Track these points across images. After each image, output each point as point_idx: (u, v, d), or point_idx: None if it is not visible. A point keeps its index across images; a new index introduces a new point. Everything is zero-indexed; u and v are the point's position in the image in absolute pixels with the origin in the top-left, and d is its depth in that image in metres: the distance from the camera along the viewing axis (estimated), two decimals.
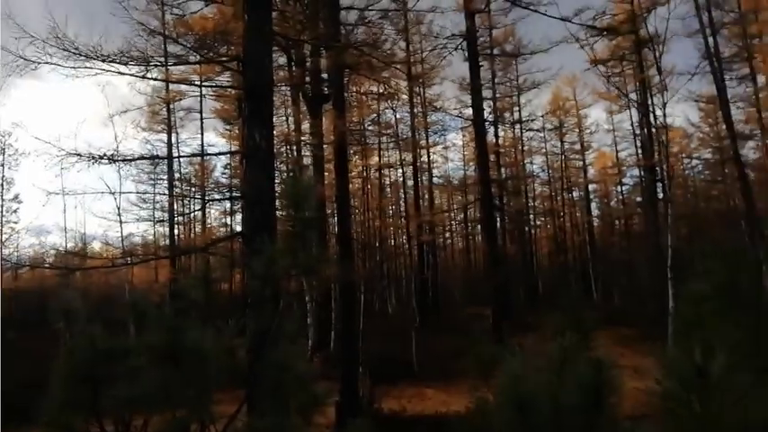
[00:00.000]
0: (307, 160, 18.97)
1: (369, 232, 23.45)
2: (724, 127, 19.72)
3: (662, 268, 14.08)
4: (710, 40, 20.08)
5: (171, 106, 23.10)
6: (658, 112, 23.50)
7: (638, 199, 35.69)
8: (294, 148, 18.96)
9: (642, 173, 29.73)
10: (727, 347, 2.54)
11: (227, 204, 28.13)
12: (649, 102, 19.81)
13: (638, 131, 30.44)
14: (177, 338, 2.53)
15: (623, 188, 39.83)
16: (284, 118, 22.26)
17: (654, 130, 20.77)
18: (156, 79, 12.95)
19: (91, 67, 8.27)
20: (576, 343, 2.19)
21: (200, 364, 2.57)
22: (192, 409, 2.54)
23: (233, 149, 20.54)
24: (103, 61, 8.14)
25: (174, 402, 2.45)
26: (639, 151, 30.57)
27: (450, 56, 19.42)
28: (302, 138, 17.55)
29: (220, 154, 21.88)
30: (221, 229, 31.70)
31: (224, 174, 28.32)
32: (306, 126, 17.40)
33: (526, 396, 1.95)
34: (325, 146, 15.72)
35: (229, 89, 16.95)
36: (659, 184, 22.89)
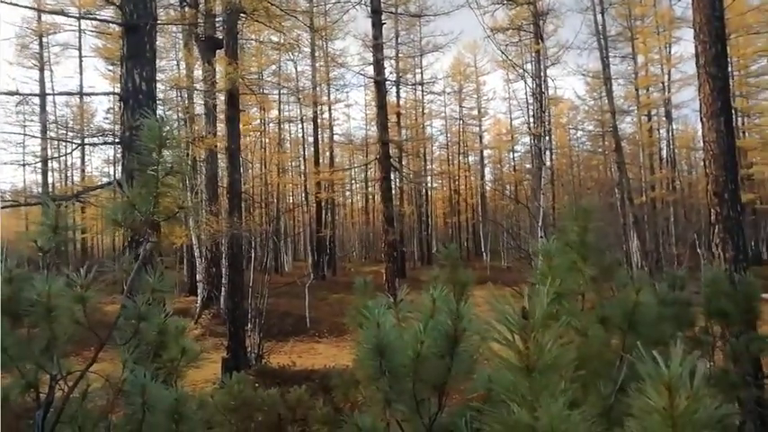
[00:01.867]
0: (199, 108, 17.96)
1: (266, 187, 22.89)
2: (606, 101, 21.13)
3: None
4: (599, 17, 21.28)
5: (44, 40, 20.77)
6: (550, 83, 24.63)
7: (528, 165, 37.66)
8: (185, 94, 17.86)
9: (532, 140, 31.31)
10: (570, 294, 2.72)
11: (111, 152, 26.16)
12: (542, 73, 20.64)
13: (531, 101, 31.87)
14: (16, 290, 2.31)
15: (515, 155, 41.94)
16: (175, 62, 20.84)
17: (545, 100, 21.84)
18: (26, 7, 11.48)
19: None
20: (445, 295, 2.24)
21: (45, 317, 2.35)
22: (37, 365, 2.33)
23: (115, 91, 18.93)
24: None
25: (17, 359, 2.25)
26: (531, 120, 32.13)
27: (353, 10, 19.03)
28: (194, 84, 16.54)
29: (96, 94, 20.22)
30: (104, 179, 29.55)
31: (106, 119, 26.22)
32: (199, 72, 16.39)
33: (387, 343, 2.01)
34: (219, 94, 14.93)
35: (112, 25, 15.50)
36: (545, 152, 24.18)
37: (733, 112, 16.50)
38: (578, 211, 2.77)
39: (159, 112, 16.51)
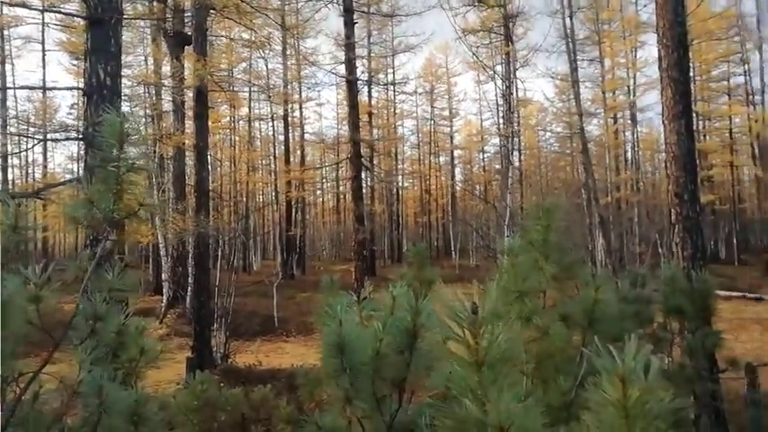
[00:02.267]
0: (167, 105, 17.62)
1: (235, 186, 22.60)
2: (574, 104, 21.50)
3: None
4: (568, 21, 21.65)
5: (5, 32, 20.12)
6: (520, 85, 24.84)
7: (498, 166, 38.08)
8: (152, 90, 17.50)
9: (502, 141, 31.63)
10: (532, 292, 2.76)
11: (74, 149, 25.50)
12: (511, 75, 20.89)
13: (500, 102, 32.20)
14: None
15: (485, 155, 42.37)
16: (143, 57, 20.42)
17: (514, 102, 22.11)
18: None
19: None
20: (406, 292, 2.24)
21: None
22: None
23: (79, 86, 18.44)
24: None
25: None
26: (501, 121, 32.44)
27: (325, 9, 18.94)
28: (162, 80, 16.23)
29: (59, 89, 19.40)
30: (67, 175, 28.78)
31: (70, 114, 25.55)
32: (167, 68, 16.08)
33: (347, 340, 2.01)
34: (187, 91, 14.69)
35: (76, 18, 15.09)
36: (515, 153, 24.48)
37: (694, 115, 17.02)
38: (542, 210, 2.82)
39: (125, 108, 16.19)
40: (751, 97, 29.02)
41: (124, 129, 2.69)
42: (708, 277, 4.38)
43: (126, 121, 2.77)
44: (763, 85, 28.53)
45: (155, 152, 16.56)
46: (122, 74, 9.31)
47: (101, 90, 7.70)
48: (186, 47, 14.42)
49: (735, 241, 32.21)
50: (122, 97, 10.45)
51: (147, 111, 17.87)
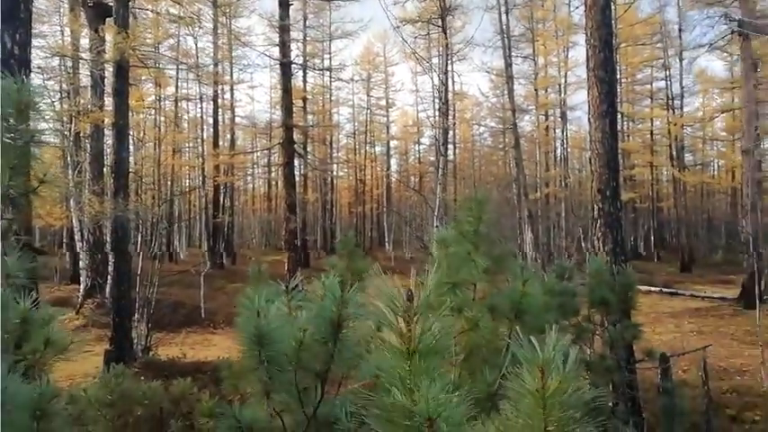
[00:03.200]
0: (85, 80, 16.52)
1: (159, 168, 21.60)
2: (508, 99, 22.00)
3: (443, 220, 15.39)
4: (504, 17, 22.09)
5: None
6: (456, 79, 25.17)
7: (432, 158, 38.54)
8: (69, 63, 16.34)
9: (436, 134, 32.01)
10: (463, 284, 2.72)
11: None
12: (447, 68, 21.06)
13: (436, 94, 32.51)
14: None
15: (421, 147, 42.76)
16: (59, 28, 19.03)
17: (449, 94, 22.37)
18: None
19: None
20: (336, 283, 2.17)
21: None
22: None
23: None
24: None
25: None
26: (436, 113, 32.78)
27: None
28: (79, 53, 15.17)
29: None
30: None
31: None
32: (86, 41, 15.04)
33: (267, 331, 1.95)
34: (108, 65, 13.81)
35: None
36: (449, 146, 24.82)
37: (619, 115, 17.83)
38: (473, 203, 2.80)
39: (37, 80, 15.01)
40: (671, 101, 30.76)
41: (25, 98, 2.41)
42: (630, 271, 4.53)
43: (26, 91, 2.48)
44: (682, 91, 30.35)
45: (70, 129, 15.50)
46: (34, 44, 8.60)
47: (7, 60, 7.08)
48: (108, 18, 13.54)
49: (653, 238, 34.22)
50: (34, 69, 9.66)
51: (63, 85, 16.68)
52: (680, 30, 29.27)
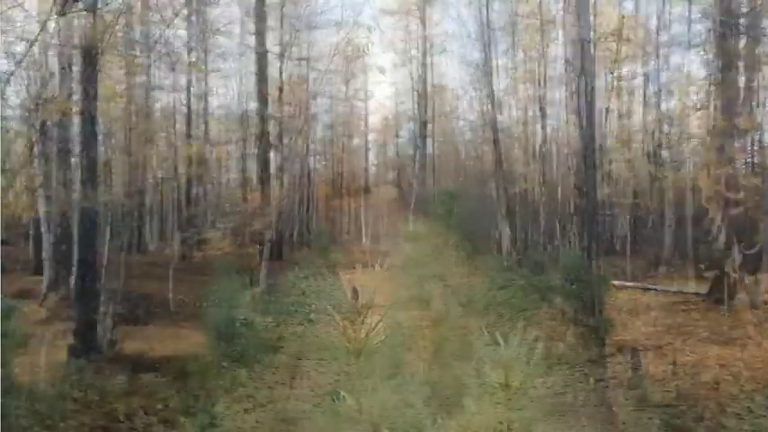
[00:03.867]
0: (53, 66, 16.00)
1: (129, 158, 21.05)
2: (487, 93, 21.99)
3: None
4: (484, 10, 22.04)
5: None
6: (436, 71, 25.04)
7: (411, 152, 38.44)
8: (36, 48, 15.76)
9: (416, 126, 31.91)
10: (436, 277, 2.59)
11: None
12: (427, 60, 20.95)
13: (416, 87, 32.40)
14: None
15: (399, 140, 42.55)
16: (25, 12, 18.28)
17: (430, 87, 22.28)
18: None
19: None
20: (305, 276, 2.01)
21: None
22: None
23: None
24: None
25: None
26: (416, 106, 32.63)
27: None
28: (47, 38, 14.64)
29: None
30: None
31: None
32: (53, 24, 14.51)
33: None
34: (76, 51, 13.39)
35: None
36: (428, 139, 24.81)
37: (597, 111, 18.04)
38: (446, 196, 2.68)
39: (3, 66, 14.44)
40: (648, 99, 31.12)
41: None
42: (604, 266, 4.46)
43: None
44: (660, 88, 30.78)
45: (36, 116, 15.02)
46: None
47: None
48: (76, 2, 13.06)
49: (628, 234, 34.56)
50: None
51: (30, 72, 16.10)
52: (657, 29, 29.60)
